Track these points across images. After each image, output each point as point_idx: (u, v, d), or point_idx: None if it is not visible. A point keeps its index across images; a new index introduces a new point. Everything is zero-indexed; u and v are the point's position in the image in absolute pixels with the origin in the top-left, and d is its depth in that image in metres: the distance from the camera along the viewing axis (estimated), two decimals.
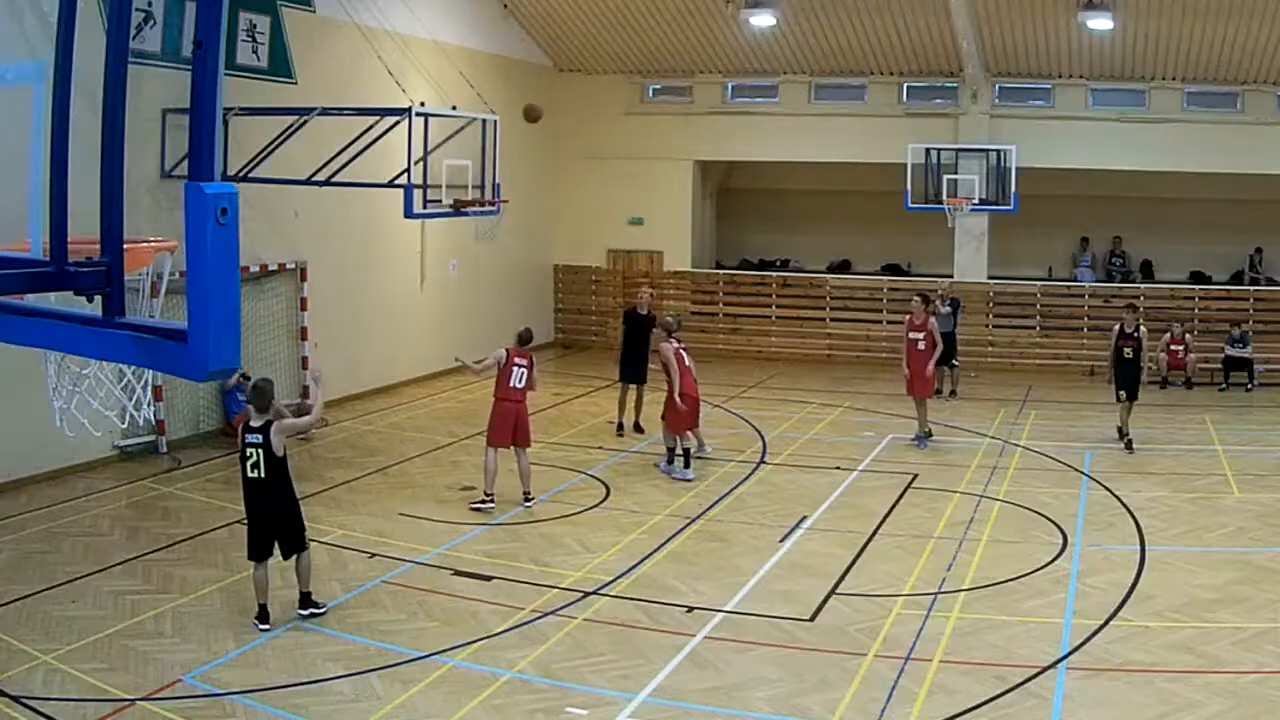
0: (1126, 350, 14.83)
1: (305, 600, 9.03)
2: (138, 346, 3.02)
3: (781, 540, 11.14)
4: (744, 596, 9.63)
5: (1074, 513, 12.01)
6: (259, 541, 8.80)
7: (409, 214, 13.82)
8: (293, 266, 16.58)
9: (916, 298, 15.88)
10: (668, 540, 11.11)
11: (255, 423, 8.65)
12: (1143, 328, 15.06)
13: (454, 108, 15.33)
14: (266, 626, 8.75)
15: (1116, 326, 15.06)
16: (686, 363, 13.53)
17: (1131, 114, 21.23)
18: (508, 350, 12.19)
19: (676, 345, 13.61)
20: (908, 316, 15.57)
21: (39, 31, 10.68)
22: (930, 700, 7.62)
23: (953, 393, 18.70)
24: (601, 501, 12.52)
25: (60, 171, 3.13)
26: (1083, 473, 13.75)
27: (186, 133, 2.83)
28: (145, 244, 4.19)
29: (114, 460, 13.71)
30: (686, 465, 13.40)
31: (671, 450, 13.60)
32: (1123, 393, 14.84)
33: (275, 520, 8.81)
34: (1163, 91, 21.08)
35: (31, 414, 10.09)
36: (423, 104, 15.10)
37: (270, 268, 16.10)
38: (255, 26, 15.51)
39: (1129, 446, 14.70)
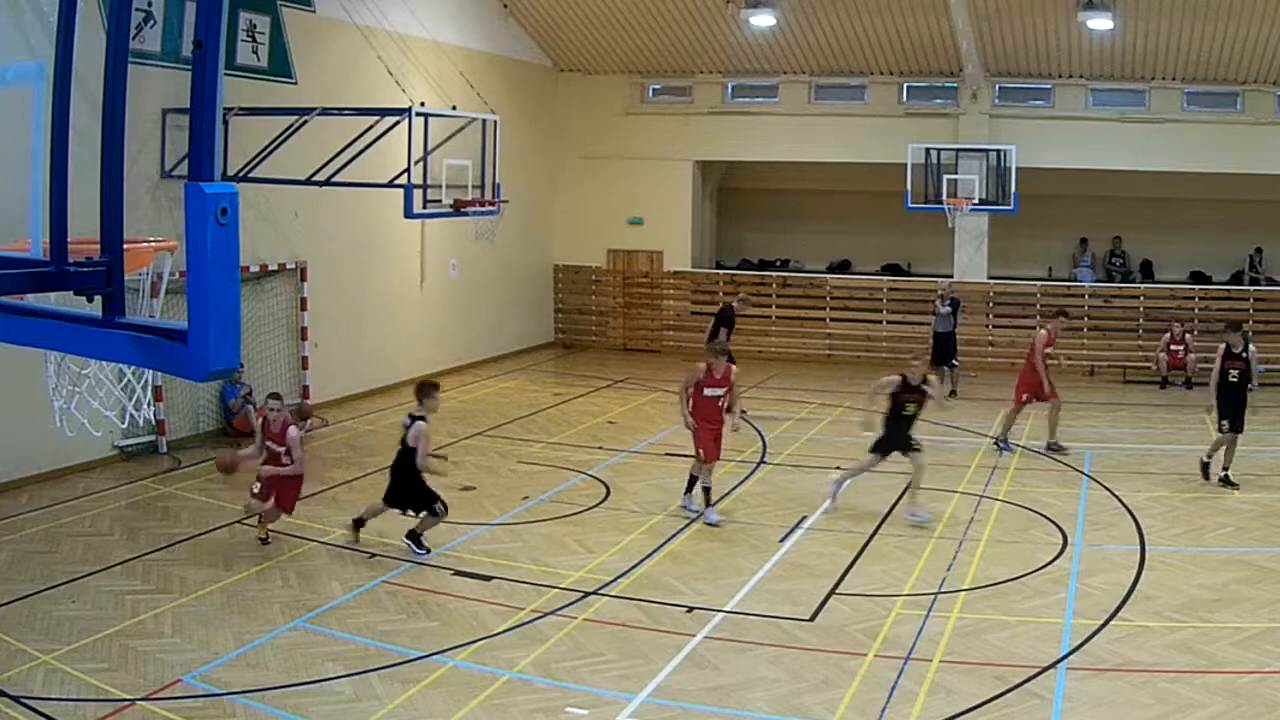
0: (1233, 374, 13.02)
1: (415, 538, 10.56)
2: (138, 346, 3.03)
3: (781, 540, 11.14)
4: (744, 596, 9.64)
5: (1074, 513, 12.01)
6: (389, 495, 10.62)
7: (409, 214, 13.83)
8: (293, 266, 16.57)
9: (1062, 315, 15.72)
10: (668, 540, 11.11)
11: (416, 412, 10.46)
12: (1252, 347, 13.35)
13: (454, 108, 15.34)
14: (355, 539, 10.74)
15: (1221, 347, 13.28)
16: (704, 392, 11.97)
17: (1131, 114, 21.23)
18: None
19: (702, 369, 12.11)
20: (1044, 332, 15.08)
21: (39, 31, 10.67)
22: (930, 700, 7.62)
23: (952, 393, 18.70)
24: (601, 501, 12.52)
25: (60, 171, 3.13)
26: (1083, 473, 13.76)
27: (186, 133, 2.83)
28: (145, 244, 4.18)
29: (114, 460, 13.71)
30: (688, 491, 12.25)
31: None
32: (1225, 422, 13.00)
33: (401, 489, 10.54)
34: (1163, 91, 21.08)
35: (31, 414, 10.11)
36: (423, 104, 15.12)
37: (270, 268, 16.10)
38: (255, 26, 15.51)
39: (1228, 482, 12.94)
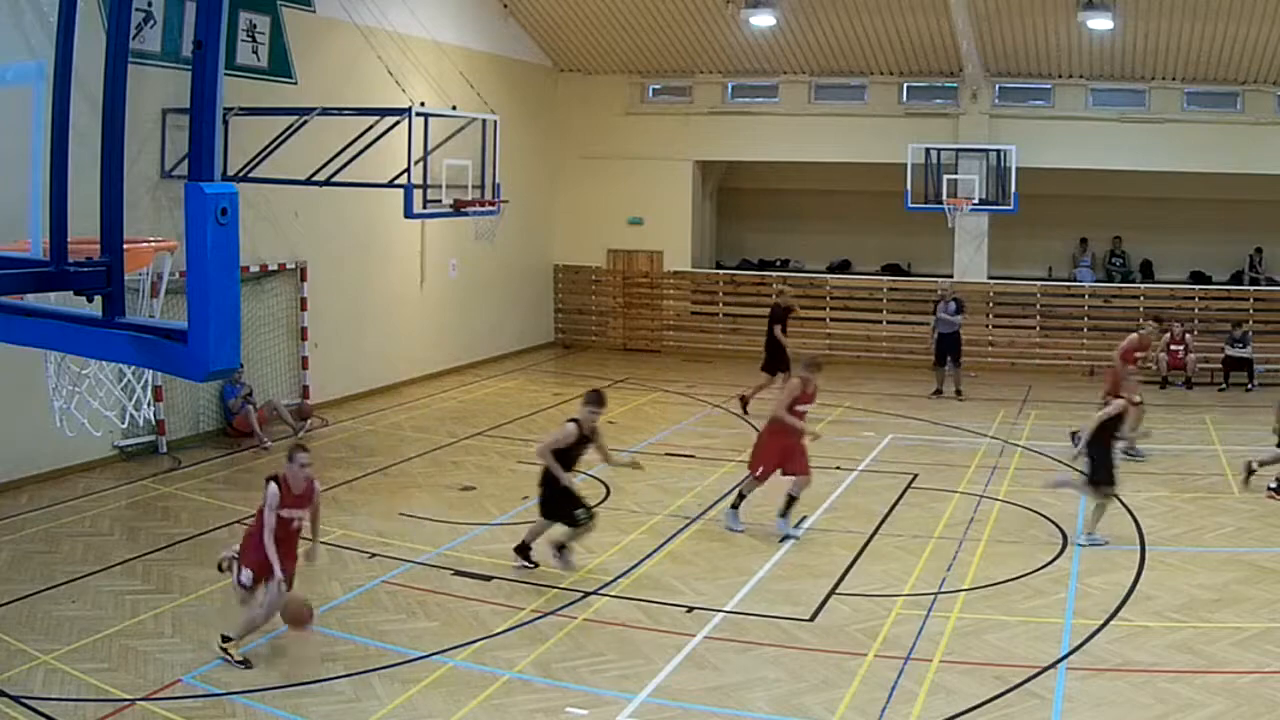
0: None
1: (559, 550, 10.19)
2: (138, 346, 3.03)
3: (781, 540, 11.13)
4: (744, 596, 9.63)
5: (1074, 513, 12.00)
6: (542, 507, 10.27)
7: (409, 214, 13.82)
8: (293, 266, 16.57)
9: (1153, 322, 15.40)
10: (668, 540, 11.11)
11: (573, 416, 10.26)
12: None
13: (454, 108, 15.34)
14: (528, 565, 10.20)
15: None
16: (796, 408, 11.34)
17: (1131, 114, 21.22)
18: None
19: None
20: (1134, 337, 14.90)
21: (39, 31, 10.68)
22: (930, 700, 7.62)
23: (957, 392, 18.70)
24: (601, 502, 12.51)
25: (60, 171, 3.13)
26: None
27: (186, 133, 2.83)
28: (145, 244, 4.18)
29: (114, 460, 13.70)
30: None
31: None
32: None
33: (545, 500, 10.20)
34: (1163, 91, 21.07)
35: (31, 414, 10.12)
36: (423, 104, 15.11)
37: (270, 268, 16.10)
38: (255, 26, 15.51)
39: (1253, 471, 12.83)
